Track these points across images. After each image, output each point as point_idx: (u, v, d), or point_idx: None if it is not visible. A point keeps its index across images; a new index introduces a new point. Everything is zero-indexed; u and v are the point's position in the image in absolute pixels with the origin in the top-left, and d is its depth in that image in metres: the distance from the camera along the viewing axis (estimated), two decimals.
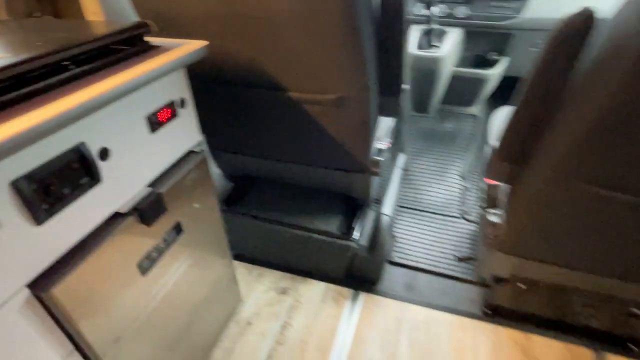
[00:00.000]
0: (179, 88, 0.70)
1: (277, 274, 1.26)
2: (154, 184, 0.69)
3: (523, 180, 0.67)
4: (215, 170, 1.31)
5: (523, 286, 1.01)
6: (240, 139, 1.04)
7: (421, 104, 1.43)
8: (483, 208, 0.93)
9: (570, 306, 1.03)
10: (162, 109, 0.66)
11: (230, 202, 1.23)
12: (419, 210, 1.48)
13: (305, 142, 0.95)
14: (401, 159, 1.46)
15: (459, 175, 1.61)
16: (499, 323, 1.09)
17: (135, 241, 0.66)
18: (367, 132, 0.88)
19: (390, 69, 0.80)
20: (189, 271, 0.88)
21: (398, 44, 0.92)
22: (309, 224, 1.16)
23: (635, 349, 1.02)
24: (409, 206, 1.50)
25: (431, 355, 1.02)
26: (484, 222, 0.86)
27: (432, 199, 1.52)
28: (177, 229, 0.76)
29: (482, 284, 1.20)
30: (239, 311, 1.15)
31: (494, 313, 1.11)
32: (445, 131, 1.86)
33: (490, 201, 0.86)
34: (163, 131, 0.68)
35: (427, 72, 1.38)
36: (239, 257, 1.32)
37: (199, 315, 0.96)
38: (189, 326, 0.92)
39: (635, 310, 0.96)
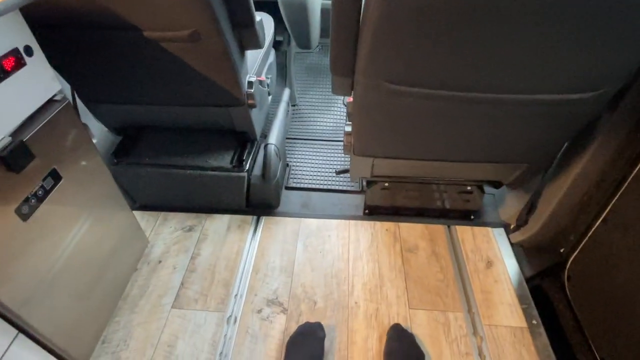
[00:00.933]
0: (19, 34, 0.70)
1: (182, 215, 1.34)
2: (15, 133, 0.71)
3: (353, 90, 0.82)
4: (99, 125, 1.30)
5: (386, 184, 1.23)
6: (109, 88, 1.05)
7: (301, 40, 1.51)
8: (345, 123, 1.09)
9: (426, 195, 1.28)
10: (3, 57, 0.67)
11: (121, 155, 1.25)
12: (310, 139, 1.63)
13: (173, 82, 1.00)
14: (286, 93, 1.56)
15: (343, 104, 1.77)
16: (376, 219, 1.33)
17: (8, 188, 0.69)
18: (231, 65, 0.96)
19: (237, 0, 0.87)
20: (91, 227, 0.94)
21: None
22: (202, 162, 1.24)
23: (473, 217, 1.32)
24: (301, 137, 1.64)
25: (322, 252, 1.22)
26: (344, 134, 1.03)
27: (320, 128, 1.68)
28: (54, 176, 0.79)
29: (361, 191, 1.41)
30: (148, 253, 1.22)
31: (371, 212, 1.34)
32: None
33: (348, 115, 1.01)
34: (11, 80, 0.69)
35: (297, 7, 1.46)
36: (143, 207, 1.37)
37: (108, 264, 1.03)
38: (100, 276, 0.99)
39: (470, 188, 1.24)
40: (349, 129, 1.00)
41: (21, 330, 0.75)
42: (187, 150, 1.27)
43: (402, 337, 0.97)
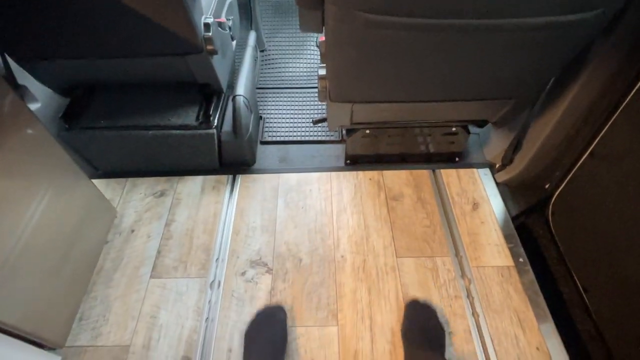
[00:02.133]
0: None
1: (151, 180, 1.25)
2: None
3: (325, 25, 0.71)
4: (43, 88, 1.14)
5: (367, 131, 1.15)
6: (42, 40, 0.90)
7: None
8: (319, 65, 0.98)
9: (410, 140, 1.21)
10: None
11: (72, 119, 1.12)
12: (283, 87, 1.51)
13: (117, 27, 0.86)
14: (252, 37, 1.41)
15: (316, 45, 1.63)
16: (358, 169, 1.27)
17: None
18: (181, 5, 0.82)
19: None
20: (50, 202, 0.85)
21: None
22: (165, 121, 1.12)
23: (458, 159, 1.28)
24: (272, 86, 1.52)
25: (305, 207, 1.17)
26: (318, 79, 0.92)
27: (293, 75, 1.55)
28: None
29: (341, 140, 1.34)
30: (118, 224, 1.14)
31: (353, 162, 1.28)
32: None
33: (321, 56, 0.90)
34: None
35: None
36: (107, 174, 1.26)
37: (75, 240, 0.95)
38: (67, 252, 0.92)
39: (454, 129, 1.18)
40: (323, 72, 0.90)
41: None
42: (147, 109, 1.14)
43: (421, 314, 0.93)
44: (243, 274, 1.03)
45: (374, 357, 0.89)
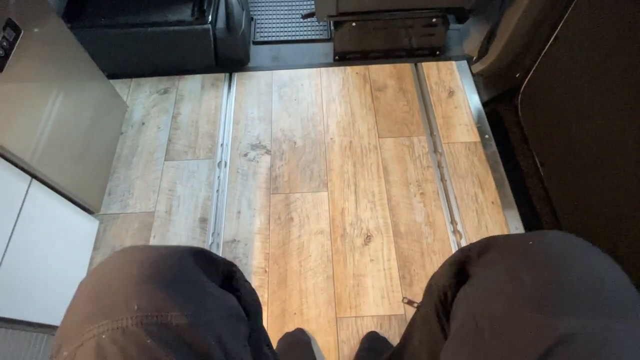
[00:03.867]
0: None
1: (153, 79, 1.34)
2: None
3: None
4: None
5: (354, 24, 1.23)
6: None
7: None
8: None
9: (393, 33, 1.30)
10: None
11: (73, 18, 1.18)
12: None
13: None
14: None
15: None
16: (346, 64, 1.36)
17: None
18: None
19: None
20: (68, 98, 0.95)
21: None
22: (162, 18, 1.19)
23: (439, 52, 1.37)
24: None
25: (297, 99, 1.29)
26: None
27: None
28: (13, 27, 0.78)
29: (329, 39, 1.41)
30: (129, 118, 1.27)
31: (341, 58, 1.37)
32: None
33: None
34: None
35: None
36: (112, 75, 1.35)
37: (94, 130, 1.07)
38: (89, 140, 1.05)
39: (435, 20, 1.26)
40: None
41: (34, 176, 0.84)
42: (144, 7, 1.20)
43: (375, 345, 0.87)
44: (245, 155, 1.19)
45: (357, 212, 1.08)
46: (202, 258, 0.38)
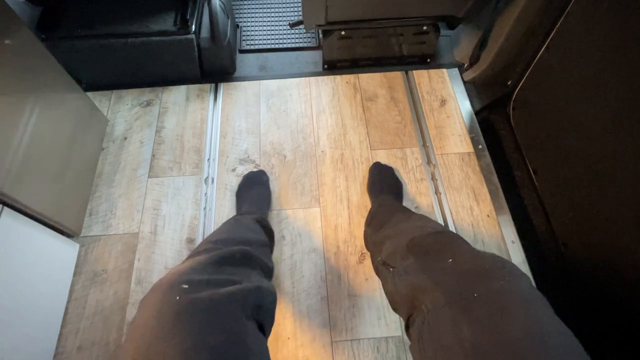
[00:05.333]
0: None
1: (136, 91, 1.29)
2: None
3: None
4: None
5: (343, 32, 1.19)
6: None
7: None
8: None
9: (383, 42, 1.26)
10: None
11: (48, 29, 1.12)
12: None
13: None
14: None
15: None
16: (335, 73, 1.33)
17: None
18: None
19: None
20: (44, 114, 0.90)
21: None
22: (143, 28, 1.14)
23: (430, 60, 1.35)
24: None
25: (286, 110, 1.25)
26: None
27: None
28: None
29: (318, 47, 1.37)
30: (110, 132, 1.21)
31: (330, 67, 1.33)
32: None
33: None
34: None
35: None
36: (92, 87, 1.29)
37: (73, 147, 1.02)
38: (68, 158, 0.99)
39: (425, 27, 1.23)
40: None
41: (5, 204, 0.78)
42: (124, 16, 1.15)
43: (382, 171, 1.10)
44: (234, 170, 1.14)
45: (351, 228, 1.05)
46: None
